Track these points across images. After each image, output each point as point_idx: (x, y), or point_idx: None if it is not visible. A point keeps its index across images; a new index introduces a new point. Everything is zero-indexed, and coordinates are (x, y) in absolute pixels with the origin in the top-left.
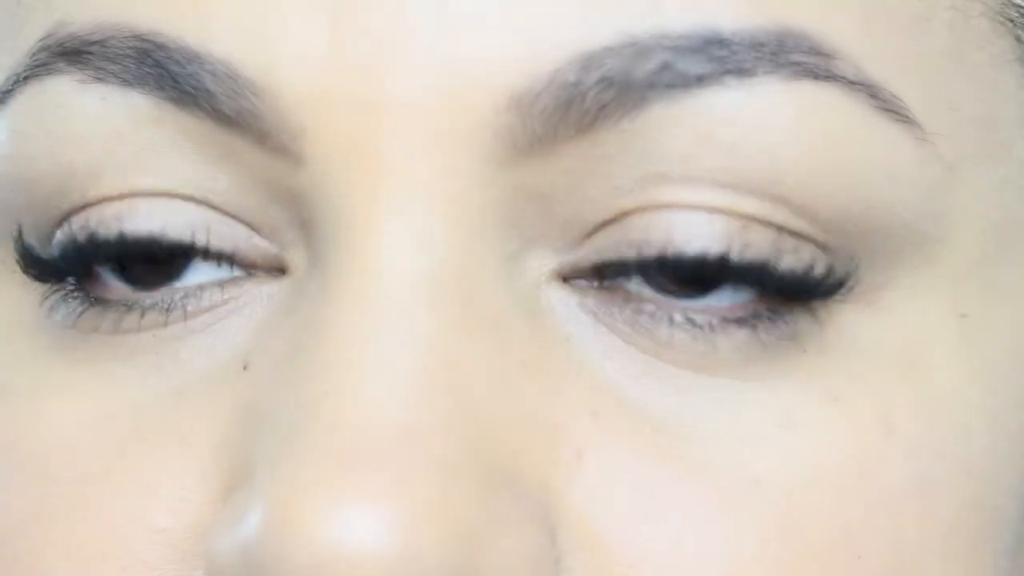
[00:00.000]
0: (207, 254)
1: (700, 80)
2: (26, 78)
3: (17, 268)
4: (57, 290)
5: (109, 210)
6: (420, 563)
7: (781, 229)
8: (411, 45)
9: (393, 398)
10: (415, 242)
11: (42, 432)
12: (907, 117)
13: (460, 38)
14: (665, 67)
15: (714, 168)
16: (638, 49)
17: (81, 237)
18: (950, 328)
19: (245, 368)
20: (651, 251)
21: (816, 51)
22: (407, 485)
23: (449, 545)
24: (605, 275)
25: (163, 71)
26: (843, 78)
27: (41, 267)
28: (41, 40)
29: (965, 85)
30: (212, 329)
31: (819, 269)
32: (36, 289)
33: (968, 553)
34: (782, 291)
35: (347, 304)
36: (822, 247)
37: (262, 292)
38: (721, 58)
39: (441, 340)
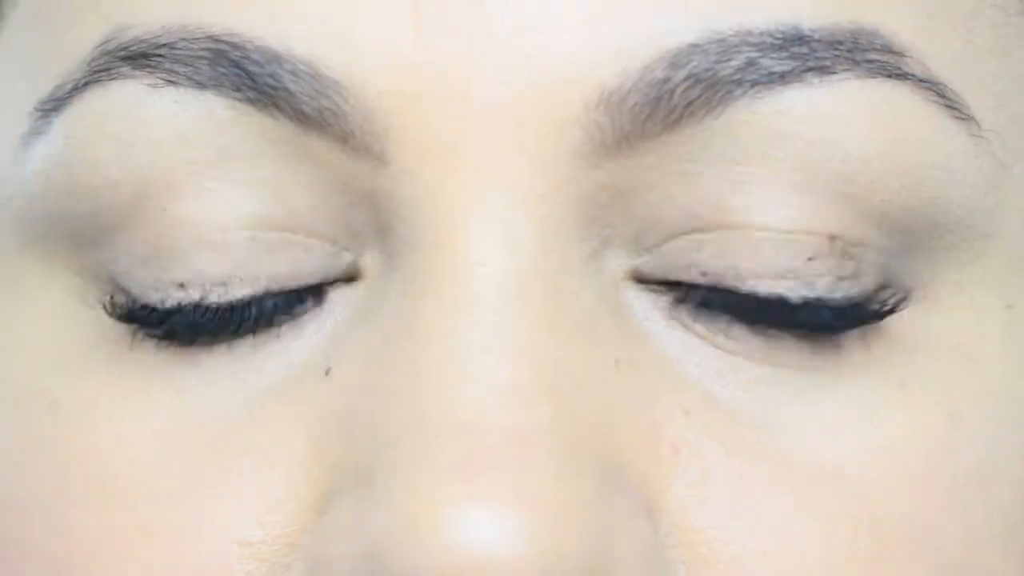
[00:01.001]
0: (304, 294)
1: (783, 77)
2: (86, 84)
3: (61, 273)
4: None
5: (213, 268)
6: (555, 566)
7: (845, 251)
8: (498, 43)
9: (500, 399)
10: (504, 242)
11: (105, 448)
12: (967, 115)
13: (548, 35)
14: (750, 64)
15: (791, 168)
16: (724, 46)
17: (193, 298)
18: (998, 320)
19: (327, 374)
20: (721, 283)
21: (888, 49)
22: (532, 486)
23: (581, 545)
24: (672, 287)
25: (240, 71)
26: (913, 76)
27: (143, 321)
28: (100, 45)
29: (1011, 83)
30: (287, 337)
31: (878, 295)
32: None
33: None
34: (832, 327)
35: (439, 306)
36: (884, 256)
37: (336, 298)
38: (802, 55)
39: (537, 340)
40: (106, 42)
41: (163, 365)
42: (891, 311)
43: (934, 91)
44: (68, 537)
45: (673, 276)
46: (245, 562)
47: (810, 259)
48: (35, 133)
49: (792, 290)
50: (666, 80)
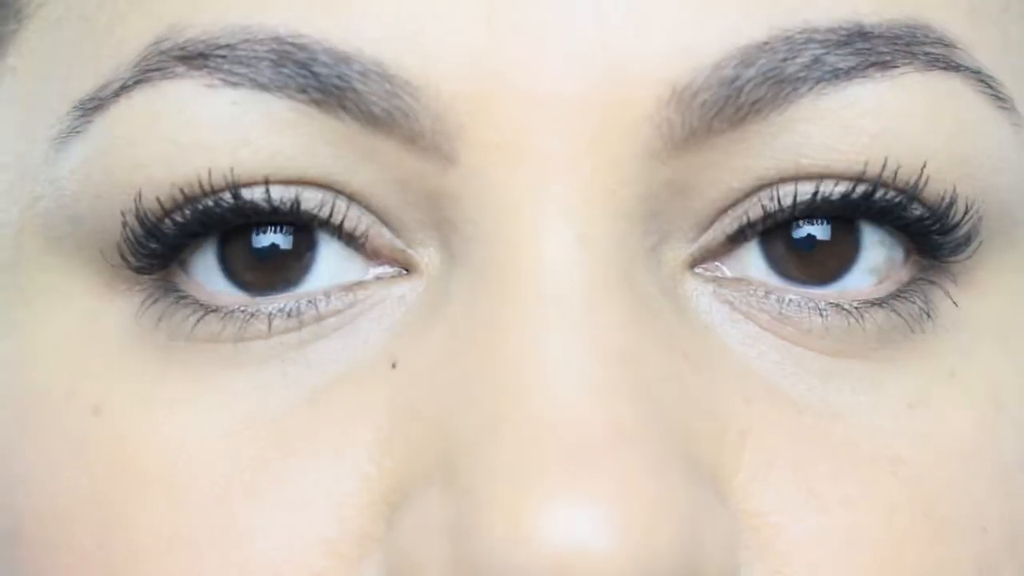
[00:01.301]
0: (339, 233)
1: (847, 73)
2: (135, 83)
3: (84, 271)
4: (158, 299)
5: (242, 189)
6: (653, 560)
7: (909, 182)
8: (569, 41)
9: (595, 397)
10: (578, 238)
11: (161, 449)
12: (1011, 105)
13: (619, 33)
14: (816, 61)
15: (855, 158)
16: (790, 44)
17: (212, 201)
18: None
19: (394, 367)
20: (787, 200)
21: (942, 42)
22: (631, 483)
23: (679, 541)
24: (735, 245)
25: (306, 73)
26: (965, 67)
27: (160, 238)
28: (153, 44)
29: None
30: (341, 332)
31: (955, 208)
32: (127, 300)
33: None
34: (923, 234)
35: (516, 302)
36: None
37: (391, 293)
38: (865, 51)
39: (614, 336)
40: (160, 41)
41: (208, 365)
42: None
43: (983, 82)
44: (126, 538)
45: (738, 225)
46: (326, 559)
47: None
48: (72, 132)
49: (867, 186)
50: (735, 78)
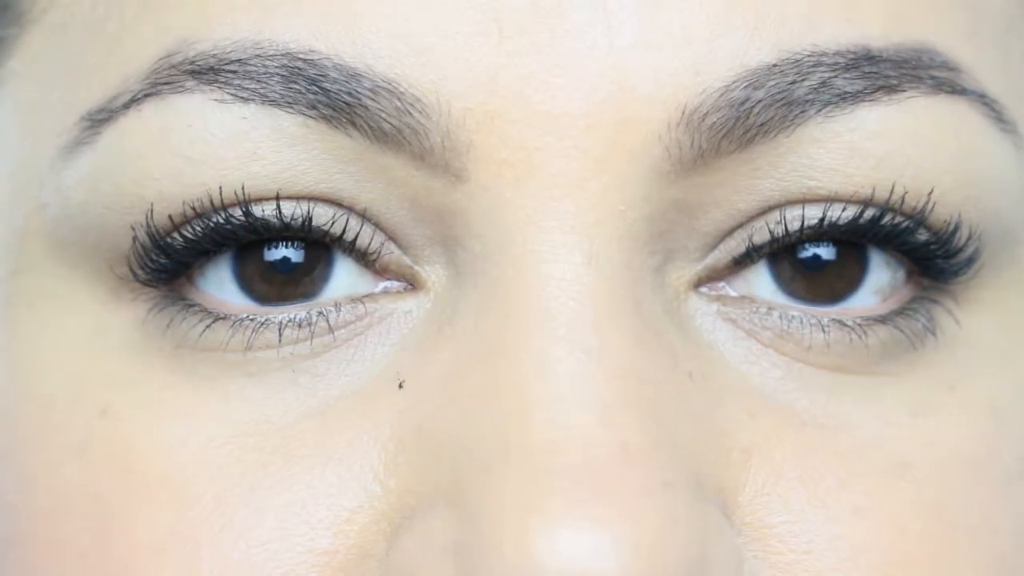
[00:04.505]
0: (350, 249)
1: (855, 97)
2: (145, 96)
3: (89, 279)
4: (165, 307)
5: (253, 206)
6: None
7: (916, 208)
8: (581, 61)
9: (593, 417)
10: (586, 258)
11: (165, 452)
12: (1013, 128)
13: (630, 54)
14: (824, 85)
15: (861, 182)
16: (799, 67)
17: (223, 218)
18: None
19: (401, 386)
20: (795, 225)
21: (947, 66)
22: (638, 506)
23: (686, 561)
24: (741, 267)
25: (316, 89)
26: (970, 91)
27: (171, 254)
28: (163, 58)
29: None
30: (350, 344)
31: (959, 234)
32: (133, 308)
33: None
34: (927, 259)
35: (524, 322)
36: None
37: (398, 307)
38: (872, 75)
39: (620, 356)
40: (170, 55)
41: (216, 372)
42: (974, 260)
43: (986, 105)
44: (124, 538)
45: (744, 248)
46: (318, 571)
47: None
48: (80, 143)
49: (874, 211)
50: (745, 100)
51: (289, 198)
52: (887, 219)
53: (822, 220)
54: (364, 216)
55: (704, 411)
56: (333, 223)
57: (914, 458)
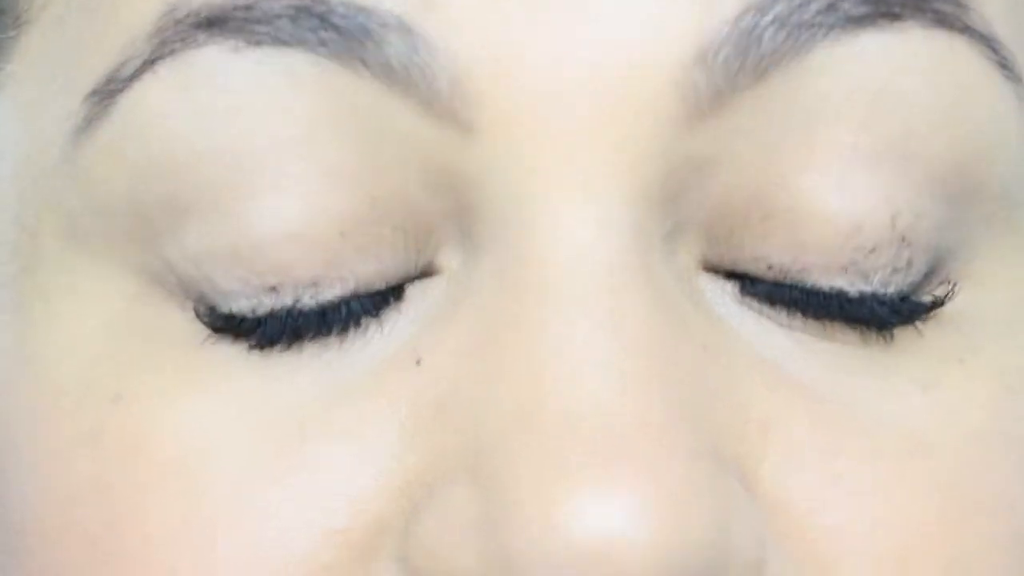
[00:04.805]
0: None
1: (859, 21)
2: (158, 57)
3: (117, 273)
4: (191, 304)
5: (303, 271)
6: (684, 550)
7: (902, 240)
8: (591, 8)
9: (622, 388)
10: (598, 222)
11: (179, 436)
12: (1017, 76)
13: None
14: (830, 8)
15: (858, 130)
16: None
17: (286, 304)
18: None
19: (418, 363)
20: (786, 278)
21: (953, 0)
22: (662, 474)
23: (709, 531)
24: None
25: (325, 24)
26: (974, 30)
27: (236, 330)
28: (165, 15)
29: None
30: (366, 326)
31: (928, 285)
32: (159, 302)
33: None
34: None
35: (539, 294)
36: (936, 228)
37: (416, 289)
38: (876, 0)
39: (643, 327)
40: (172, 11)
41: (231, 358)
42: (940, 305)
43: (991, 47)
44: (136, 523)
45: (740, 268)
46: (336, 550)
47: (871, 251)
48: (93, 119)
49: (851, 284)
50: (754, 27)
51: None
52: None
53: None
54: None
55: (720, 383)
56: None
57: (927, 434)
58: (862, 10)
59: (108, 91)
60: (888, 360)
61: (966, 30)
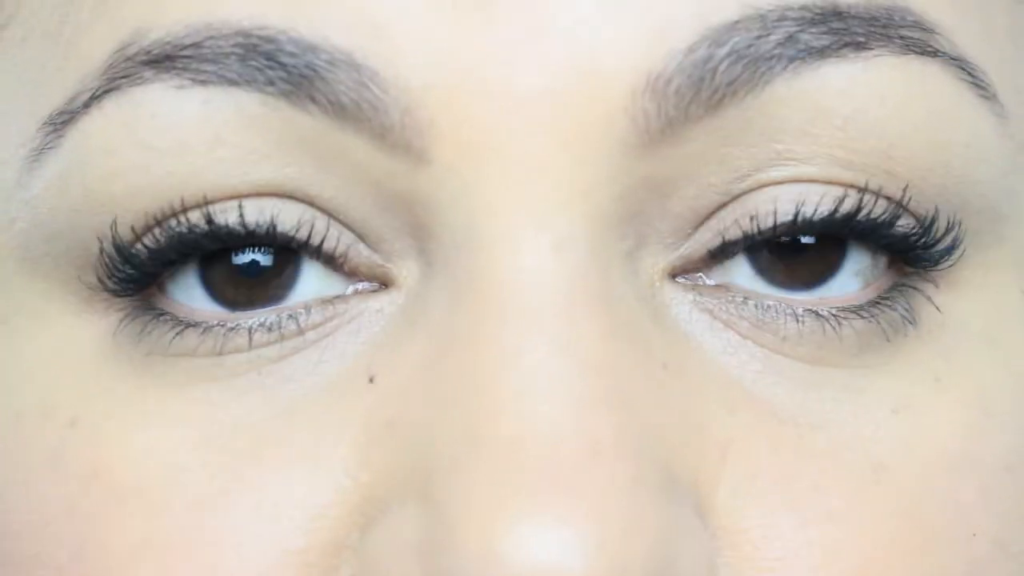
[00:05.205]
0: (317, 254)
1: (821, 52)
2: (104, 92)
3: (61, 291)
4: (137, 317)
5: (215, 208)
6: None
7: (893, 199)
8: (538, 32)
9: (563, 411)
10: (553, 244)
11: (135, 460)
12: (991, 93)
13: (588, 22)
14: (790, 40)
15: (830, 144)
16: (763, 22)
17: (186, 228)
18: (1017, 304)
19: (371, 381)
20: (768, 222)
21: (920, 26)
22: (604, 503)
23: (653, 561)
24: (716, 261)
25: (273, 63)
26: (944, 53)
27: (137, 265)
28: (118, 51)
29: (1022, 67)
30: (319, 345)
31: (937, 225)
32: (105, 319)
33: None
34: (906, 251)
35: (491, 314)
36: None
37: (370, 306)
38: (839, 31)
39: (596, 348)
40: (124, 48)
41: (185, 378)
42: (955, 245)
43: (962, 68)
44: (99, 549)
45: (719, 241)
46: (291, 570)
47: (861, 196)
48: (44, 148)
49: (854, 207)
50: (708, 58)
51: (252, 196)
52: (863, 214)
53: (796, 216)
54: (331, 214)
55: (679, 404)
56: (299, 228)
57: (891, 460)
58: (825, 41)
59: (58, 123)
60: (861, 381)
61: (936, 54)
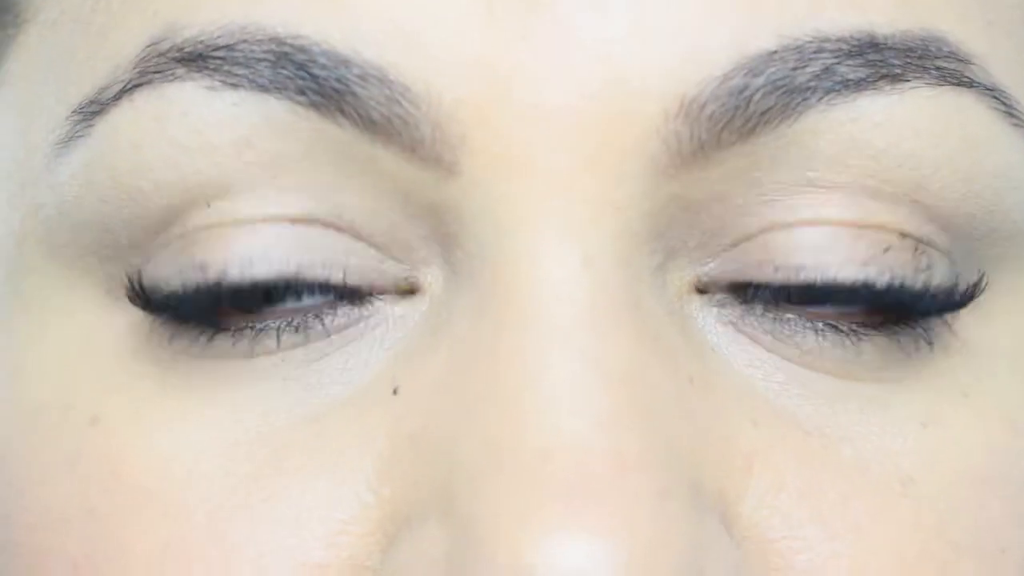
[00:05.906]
0: (342, 292)
1: (857, 85)
2: (135, 86)
3: (84, 281)
4: (166, 321)
5: (238, 246)
6: None
7: (918, 246)
8: (574, 50)
9: (598, 426)
10: (582, 258)
11: (156, 463)
12: None
13: (625, 43)
14: (826, 71)
15: (862, 174)
16: (800, 54)
17: (211, 278)
18: None
19: (395, 393)
20: (795, 279)
21: (956, 56)
22: (632, 517)
23: (680, 572)
24: (742, 290)
25: (305, 74)
26: (979, 84)
27: (164, 309)
28: (150, 45)
29: None
30: (343, 351)
31: (953, 284)
32: (127, 315)
33: None
34: (917, 310)
35: (519, 326)
36: (949, 257)
37: (394, 312)
38: (876, 62)
39: (624, 362)
40: (157, 42)
41: (211, 380)
42: (971, 296)
43: (997, 98)
44: (115, 551)
45: (742, 277)
46: None
47: (887, 250)
48: (73, 137)
49: (878, 275)
50: (744, 88)
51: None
52: (886, 280)
53: (818, 279)
54: (356, 232)
55: (705, 417)
56: (327, 271)
57: (919, 473)
58: (861, 73)
59: (89, 112)
60: (887, 395)
61: (971, 84)
